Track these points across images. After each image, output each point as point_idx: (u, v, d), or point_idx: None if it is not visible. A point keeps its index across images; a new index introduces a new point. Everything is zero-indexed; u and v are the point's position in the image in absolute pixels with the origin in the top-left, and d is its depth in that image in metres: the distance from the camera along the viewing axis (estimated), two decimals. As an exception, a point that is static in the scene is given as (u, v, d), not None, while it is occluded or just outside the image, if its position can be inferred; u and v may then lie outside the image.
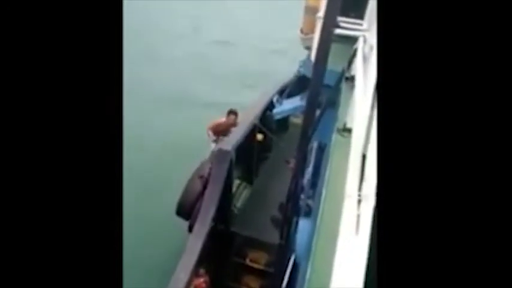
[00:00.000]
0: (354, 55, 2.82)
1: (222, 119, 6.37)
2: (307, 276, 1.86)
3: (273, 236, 4.70)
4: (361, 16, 3.76)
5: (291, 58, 9.63)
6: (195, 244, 4.31)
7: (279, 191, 5.34)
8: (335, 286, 1.23)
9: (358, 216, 1.31)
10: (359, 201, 1.39)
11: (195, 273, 4.24)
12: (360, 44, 2.88)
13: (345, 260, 1.18)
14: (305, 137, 2.78)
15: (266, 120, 5.96)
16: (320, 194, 2.32)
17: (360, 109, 2.04)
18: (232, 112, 6.26)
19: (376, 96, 2.08)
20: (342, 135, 2.54)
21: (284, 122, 6.75)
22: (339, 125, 2.61)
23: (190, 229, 4.93)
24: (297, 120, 6.60)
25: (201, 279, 4.37)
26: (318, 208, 2.34)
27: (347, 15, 3.70)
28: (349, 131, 2.53)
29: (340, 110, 2.76)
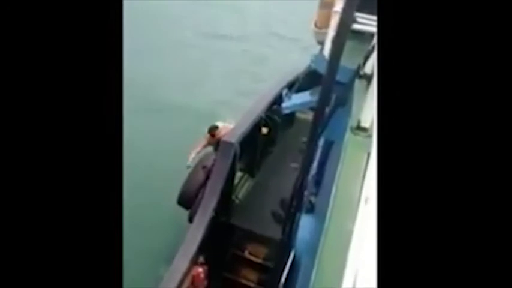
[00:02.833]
0: (370, 52, 2.76)
1: (202, 142, 5.63)
2: (312, 276, 1.83)
3: (273, 231, 4.69)
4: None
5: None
6: (195, 234, 4.31)
7: (281, 186, 5.32)
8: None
9: None
10: None
11: (194, 263, 4.24)
12: None
13: (363, 264, 1.15)
14: (315, 135, 2.74)
15: (272, 113, 5.89)
16: (328, 193, 2.28)
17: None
18: (214, 127, 5.55)
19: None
20: (356, 134, 2.49)
21: (290, 117, 6.69)
22: (352, 123, 2.56)
23: (190, 219, 4.92)
24: (303, 115, 6.53)
25: (200, 269, 4.38)
26: (324, 206, 2.31)
27: (362, 11, 3.60)
28: (364, 129, 2.48)
29: (354, 108, 2.71)
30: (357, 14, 3.41)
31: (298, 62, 6.42)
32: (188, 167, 5.32)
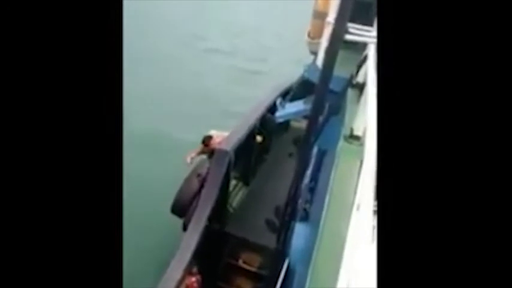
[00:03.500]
0: (363, 62, 2.81)
1: (197, 150, 5.66)
2: (307, 285, 1.83)
3: (268, 239, 4.68)
4: (369, 23, 3.75)
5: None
6: (189, 242, 4.27)
7: (275, 194, 5.32)
8: None
9: (374, 227, 1.29)
10: (375, 212, 1.36)
11: (188, 272, 4.20)
12: (371, 51, 2.87)
13: (356, 271, 1.16)
14: (308, 143, 2.76)
15: (266, 122, 5.93)
16: (321, 201, 2.30)
17: (373, 117, 2.01)
18: (208, 138, 5.57)
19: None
20: (349, 142, 2.52)
21: (284, 125, 6.73)
22: (346, 131, 2.59)
23: (184, 227, 4.89)
24: (297, 124, 6.58)
25: (193, 279, 4.33)
26: (318, 215, 2.32)
27: (355, 22, 3.67)
28: (357, 138, 2.52)
29: (347, 116, 2.74)
30: (350, 24, 3.48)
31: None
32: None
